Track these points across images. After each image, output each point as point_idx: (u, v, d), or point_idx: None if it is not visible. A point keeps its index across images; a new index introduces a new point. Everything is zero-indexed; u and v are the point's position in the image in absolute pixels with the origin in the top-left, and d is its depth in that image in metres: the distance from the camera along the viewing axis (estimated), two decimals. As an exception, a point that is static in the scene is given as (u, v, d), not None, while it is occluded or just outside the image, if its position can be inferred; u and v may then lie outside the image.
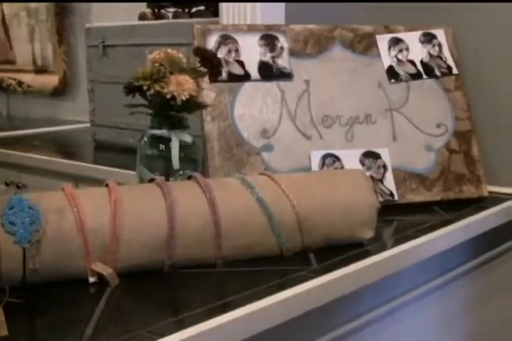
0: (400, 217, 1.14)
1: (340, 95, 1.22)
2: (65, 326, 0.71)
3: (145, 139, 1.06)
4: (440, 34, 1.32)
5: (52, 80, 2.71)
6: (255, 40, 1.19)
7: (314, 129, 1.19)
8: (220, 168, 1.11)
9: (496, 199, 1.26)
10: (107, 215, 0.82)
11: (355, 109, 1.22)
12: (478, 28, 1.35)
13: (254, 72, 1.17)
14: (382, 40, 1.28)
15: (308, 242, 0.93)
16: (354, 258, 0.92)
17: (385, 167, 1.20)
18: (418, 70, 1.28)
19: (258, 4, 1.48)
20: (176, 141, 1.03)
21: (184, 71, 1.01)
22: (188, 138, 1.04)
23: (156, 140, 1.05)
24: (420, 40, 1.30)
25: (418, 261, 1.03)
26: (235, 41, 1.18)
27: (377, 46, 1.27)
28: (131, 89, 1.01)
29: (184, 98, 0.99)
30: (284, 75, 1.19)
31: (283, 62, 1.20)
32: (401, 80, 1.26)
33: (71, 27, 2.64)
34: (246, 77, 1.17)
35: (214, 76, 1.09)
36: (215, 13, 1.65)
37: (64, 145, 2.19)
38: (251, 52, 1.18)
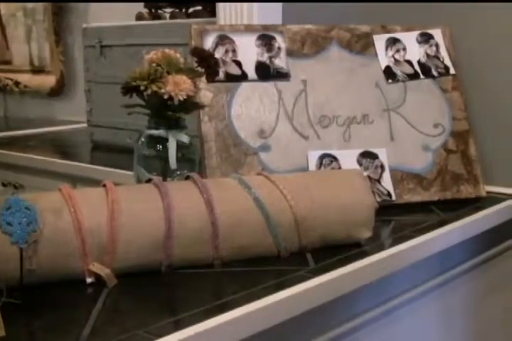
0: (397, 217, 1.14)
1: (338, 95, 1.22)
2: (62, 326, 0.71)
3: (142, 139, 1.06)
4: (437, 34, 1.32)
5: (49, 80, 2.70)
6: (252, 40, 1.19)
7: (311, 129, 1.19)
8: (217, 168, 1.11)
9: (493, 200, 1.26)
10: (104, 215, 0.82)
11: (353, 109, 1.22)
12: (476, 28, 1.35)
13: (251, 72, 1.17)
14: (380, 40, 1.28)
15: (305, 242, 0.93)
16: (352, 259, 0.92)
17: (382, 167, 1.20)
18: (415, 70, 1.28)
19: (255, 4, 1.48)
20: (173, 141, 1.03)
21: (181, 71, 1.01)
22: (185, 139, 1.04)
23: (153, 140, 1.05)
24: (417, 40, 1.30)
25: (416, 261, 1.03)
26: (232, 41, 1.17)
27: (374, 46, 1.27)
28: (128, 89, 1.01)
29: (181, 98, 0.99)
30: (281, 75, 1.19)
31: (280, 62, 1.20)
32: (398, 80, 1.26)
33: (68, 27, 2.63)
34: (243, 77, 1.17)
35: (211, 76, 1.09)
36: (212, 13, 1.65)
37: (61, 146, 2.18)
38: (248, 52, 1.18)
